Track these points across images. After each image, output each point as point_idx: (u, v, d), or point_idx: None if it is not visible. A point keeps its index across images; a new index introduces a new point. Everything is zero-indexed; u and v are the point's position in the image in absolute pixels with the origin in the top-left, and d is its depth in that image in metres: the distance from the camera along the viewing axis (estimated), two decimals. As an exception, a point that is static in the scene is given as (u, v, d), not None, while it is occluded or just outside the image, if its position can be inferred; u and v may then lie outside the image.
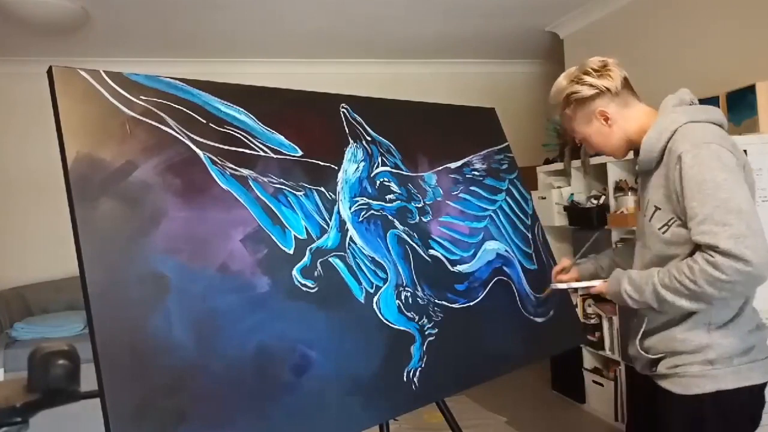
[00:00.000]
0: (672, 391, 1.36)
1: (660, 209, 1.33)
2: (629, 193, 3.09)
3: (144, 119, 1.43)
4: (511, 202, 2.30)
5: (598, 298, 3.34)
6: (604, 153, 1.52)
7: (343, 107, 1.91)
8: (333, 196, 1.73)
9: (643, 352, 1.43)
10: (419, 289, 1.82)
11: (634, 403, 1.64)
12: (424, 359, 1.72)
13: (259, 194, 1.56)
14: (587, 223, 3.40)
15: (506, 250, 2.16)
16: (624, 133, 1.42)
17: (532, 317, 2.09)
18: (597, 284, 1.51)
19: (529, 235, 2.30)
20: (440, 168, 2.13)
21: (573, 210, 3.55)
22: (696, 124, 1.30)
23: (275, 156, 1.65)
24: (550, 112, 1.44)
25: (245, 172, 1.56)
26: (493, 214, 2.21)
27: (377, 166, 1.91)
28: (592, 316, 3.45)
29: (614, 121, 1.40)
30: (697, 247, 1.25)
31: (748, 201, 1.21)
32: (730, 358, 1.30)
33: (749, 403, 1.34)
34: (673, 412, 1.37)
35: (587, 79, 1.39)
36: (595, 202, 3.44)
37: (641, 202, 1.46)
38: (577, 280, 1.70)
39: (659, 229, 1.33)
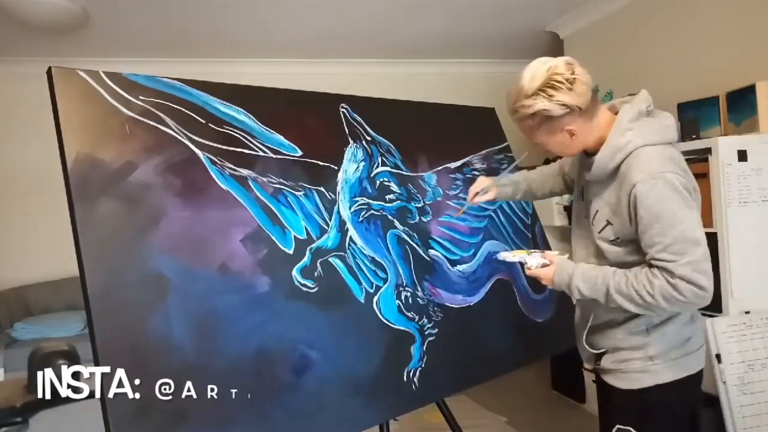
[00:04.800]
0: (615, 386, 1.43)
1: (611, 225, 1.36)
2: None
3: (143, 119, 1.43)
4: (511, 202, 2.30)
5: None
6: (555, 154, 1.51)
7: (343, 107, 1.91)
8: (333, 196, 1.73)
9: (587, 346, 1.50)
10: (419, 289, 1.82)
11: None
12: (424, 359, 1.72)
13: (258, 194, 1.56)
14: (587, 222, 3.39)
15: (506, 250, 2.16)
16: (583, 144, 1.38)
17: (532, 317, 2.10)
18: (541, 265, 1.45)
19: (529, 235, 2.30)
20: (440, 168, 2.12)
21: (573, 210, 3.55)
22: (651, 148, 1.30)
23: (275, 156, 1.65)
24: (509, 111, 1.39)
25: (245, 172, 1.56)
26: (493, 214, 2.21)
27: (377, 166, 1.91)
28: (592, 316, 3.45)
29: (578, 135, 1.34)
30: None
31: (701, 229, 1.27)
32: (668, 352, 1.37)
33: (687, 392, 1.40)
34: (617, 405, 1.44)
35: (559, 96, 1.27)
36: (595, 201, 3.43)
37: (585, 201, 1.47)
38: (494, 200, 1.82)
39: (611, 242, 1.38)
